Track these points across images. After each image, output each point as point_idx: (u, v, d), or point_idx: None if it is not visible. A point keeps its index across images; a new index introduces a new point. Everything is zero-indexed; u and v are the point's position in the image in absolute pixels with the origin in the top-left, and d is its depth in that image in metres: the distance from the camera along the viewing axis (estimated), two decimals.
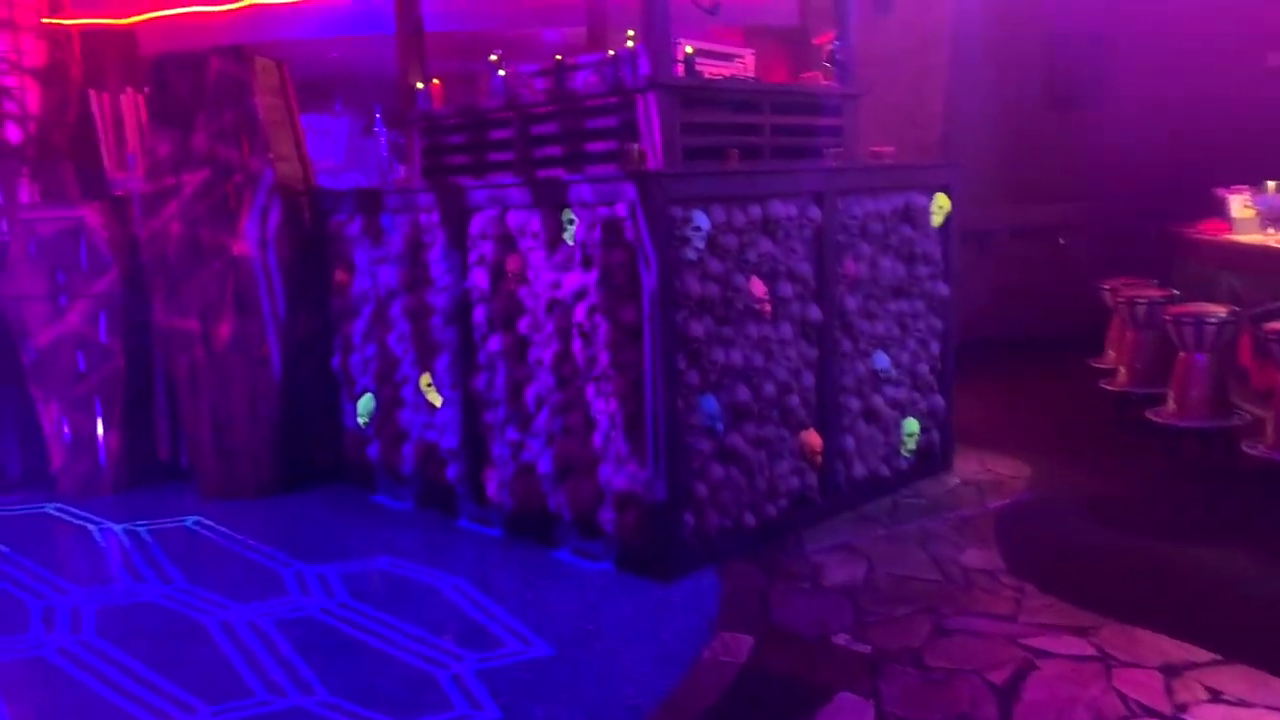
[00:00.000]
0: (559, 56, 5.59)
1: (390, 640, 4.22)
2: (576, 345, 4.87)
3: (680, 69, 5.14)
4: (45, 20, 6.92)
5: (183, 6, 9.42)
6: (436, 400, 5.73)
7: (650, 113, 4.99)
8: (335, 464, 6.50)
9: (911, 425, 5.85)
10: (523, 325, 5.17)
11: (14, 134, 6.70)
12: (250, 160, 6.07)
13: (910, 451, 5.89)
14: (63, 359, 6.35)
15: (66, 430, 6.43)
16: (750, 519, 4.99)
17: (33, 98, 6.75)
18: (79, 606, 4.64)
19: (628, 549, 4.83)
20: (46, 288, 6.31)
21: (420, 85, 6.29)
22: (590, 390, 4.88)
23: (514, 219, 5.15)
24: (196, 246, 6.11)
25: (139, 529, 5.75)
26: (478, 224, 5.33)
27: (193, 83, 6.08)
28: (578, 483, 5.00)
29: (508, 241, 5.21)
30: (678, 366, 4.63)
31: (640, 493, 4.70)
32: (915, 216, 5.76)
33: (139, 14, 9.94)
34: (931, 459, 6.09)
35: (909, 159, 7.13)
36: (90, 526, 5.83)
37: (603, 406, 4.82)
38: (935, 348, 6.04)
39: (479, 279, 5.34)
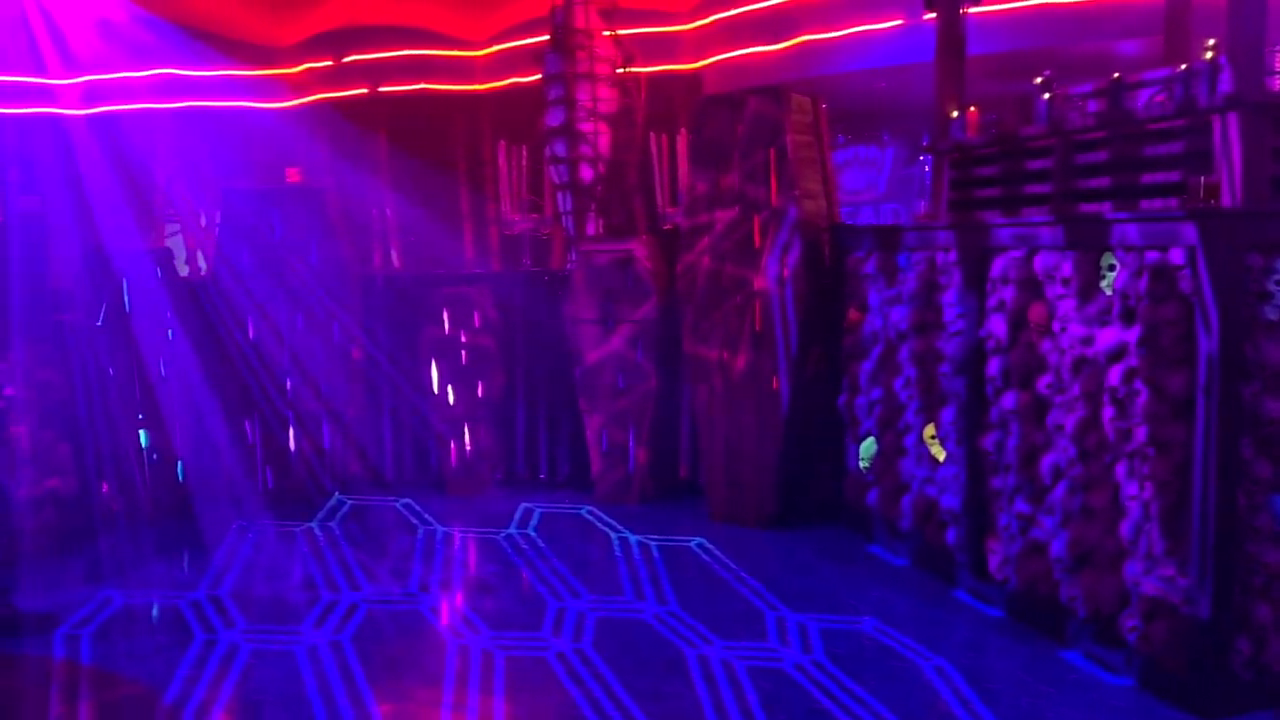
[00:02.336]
0: (1116, 75, 4.81)
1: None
2: (1107, 414, 4.12)
3: (1277, 82, 4.12)
4: (619, 71, 7.70)
5: (740, 49, 10.06)
6: (939, 454, 5.28)
7: (1229, 137, 4.06)
8: (833, 504, 6.34)
9: None
10: (1042, 384, 4.53)
11: (586, 174, 7.56)
12: (776, 198, 6.15)
13: None
14: (606, 376, 7.01)
15: (605, 441, 7.09)
16: None
17: (604, 141, 7.55)
18: (585, 614, 5.00)
19: (1155, 667, 3.97)
20: (598, 312, 7.01)
21: (955, 113, 5.87)
22: (1121, 469, 4.10)
23: (1042, 261, 4.53)
24: (721, 280, 6.35)
25: (651, 543, 6.11)
26: (999, 266, 4.79)
27: (730, 123, 6.32)
28: (1097, 576, 4.24)
29: (1033, 287, 4.61)
30: (1241, 453, 3.70)
31: (1176, 603, 3.83)
32: None
33: (704, 59, 10.81)
34: None
35: None
36: (613, 535, 6.33)
37: (1135, 491, 4.01)
38: None
39: (996, 327, 4.79)
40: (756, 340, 6.23)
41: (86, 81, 9.38)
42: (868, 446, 5.92)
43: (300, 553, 6.06)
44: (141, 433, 6.99)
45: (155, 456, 7.00)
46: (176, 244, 10.05)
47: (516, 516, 6.74)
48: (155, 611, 5.15)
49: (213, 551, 6.10)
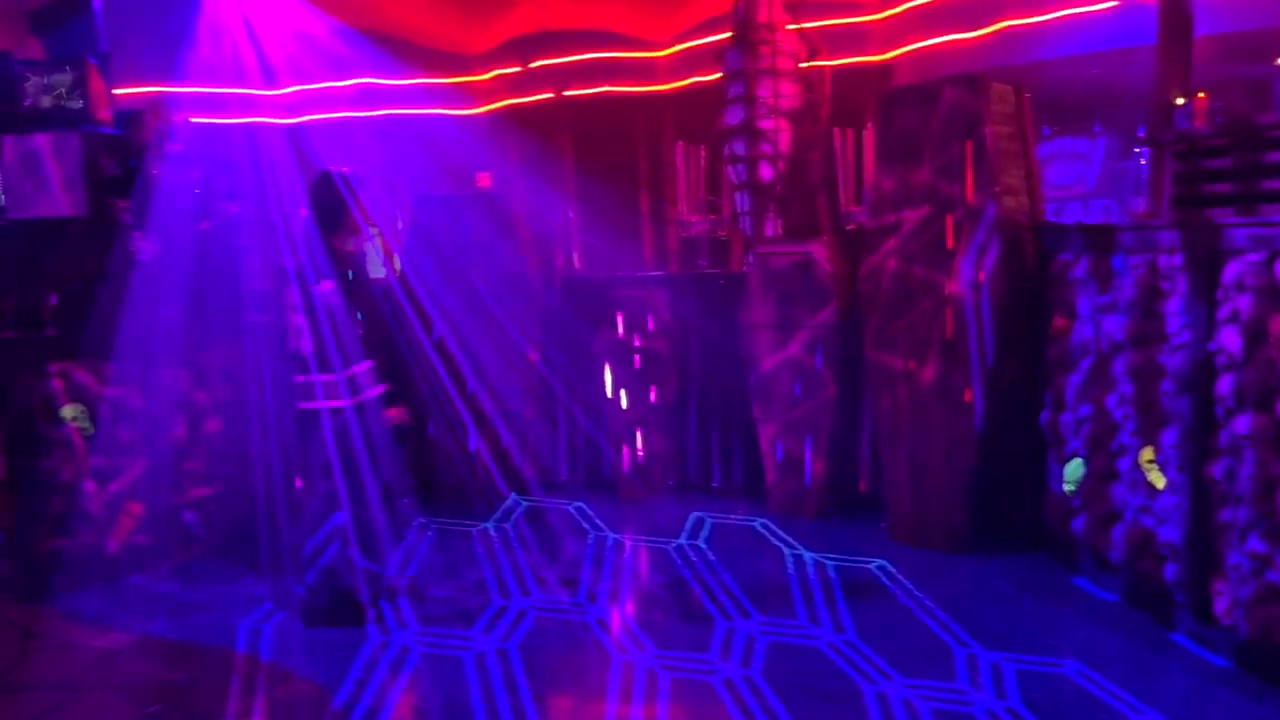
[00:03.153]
0: None
1: None
2: None
3: None
4: (802, 65, 7.39)
5: (936, 37, 9.49)
6: (1158, 481, 4.71)
7: None
8: (1032, 529, 5.81)
9: None
10: None
11: (766, 173, 7.28)
12: (972, 195, 5.69)
13: None
14: (781, 384, 6.73)
15: (779, 451, 6.81)
16: None
17: (785, 138, 7.25)
18: (755, 637, 4.75)
19: None
20: (775, 317, 6.73)
21: (1179, 100, 5.25)
22: None
23: None
24: (909, 284, 5.94)
25: (827, 563, 5.79)
26: (1233, 271, 4.20)
27: (921, 116, 5.91)
28: None
29: (1273, 295, 4.02)
30: None
31: None
32: None
33: (895, 49, 10.29)
34: None
35: None
36: (787, 551, 6.04)
37: None
38: None
39: (1229, 340, 4.21)
40: (947, 349, 5.79)
41: (286, 92, 9.89)
42: (1074, 468, 5.38)
43: (475, 554, 6.10)
44: None
45: None
46: (373, 247, 10.45)
47: (687, 526, 6.56)
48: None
49: (393, 547, 6.21)
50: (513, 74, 12.74)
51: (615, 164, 12.41)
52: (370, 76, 11.02)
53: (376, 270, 8.67)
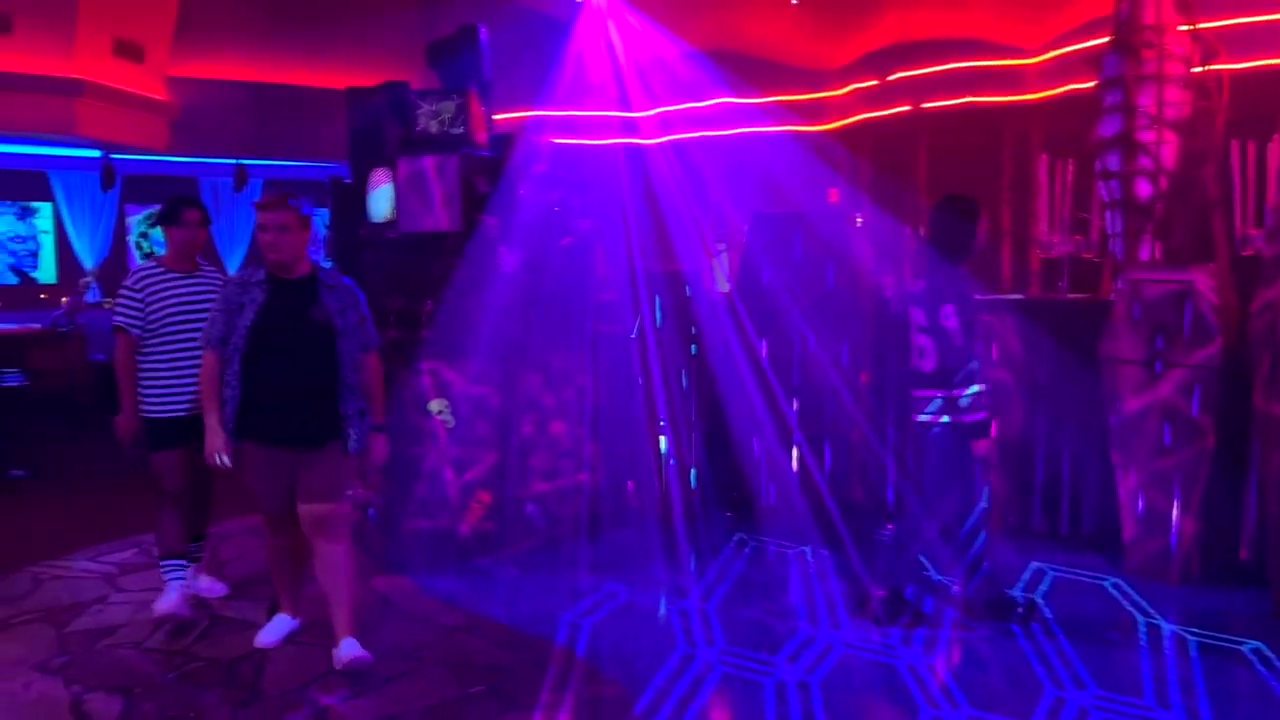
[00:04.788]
0: None
1: None
2: None
3: None
4: (1195, 70, 6.52)
5: None
6: None
7: None
8: None
9: None
10: None
11: (1144, 190, 6.50)
12: None
13: None
14: (1148, 429, 5.98)
15: (1141, 503, 6.05)
16: None
17: (1168, 151, 6.43)
18: (1088, 711, 4.24)
19: None
20: (1144, 353, 6.00)
21: None
22: None
23: None
24: None
25: (1189, 637, 5.05)
26: None
27: None
28: None
29: None
30: None
31: None
32: None
33: None
34: None
35: None
36: (1139, 618, 5.35)
37: None
38: None
39: None
40: None
41: (643, 115, 10.37)
42: None
43: (791, 576, 6.01)
44: (661, 439, 7.50)
45: (673, 462, 7.45)
46: (721, 263, 10.69)
47: (1025, 576, 6.02)
48: (649, 614, 5.41)
49: (710, 561, 6.30)
50: (869, 88, 12.47)
51: (972, 178, 11.70)
52: (726, 96, 11.28)
53: (722, 285, 8.87)
